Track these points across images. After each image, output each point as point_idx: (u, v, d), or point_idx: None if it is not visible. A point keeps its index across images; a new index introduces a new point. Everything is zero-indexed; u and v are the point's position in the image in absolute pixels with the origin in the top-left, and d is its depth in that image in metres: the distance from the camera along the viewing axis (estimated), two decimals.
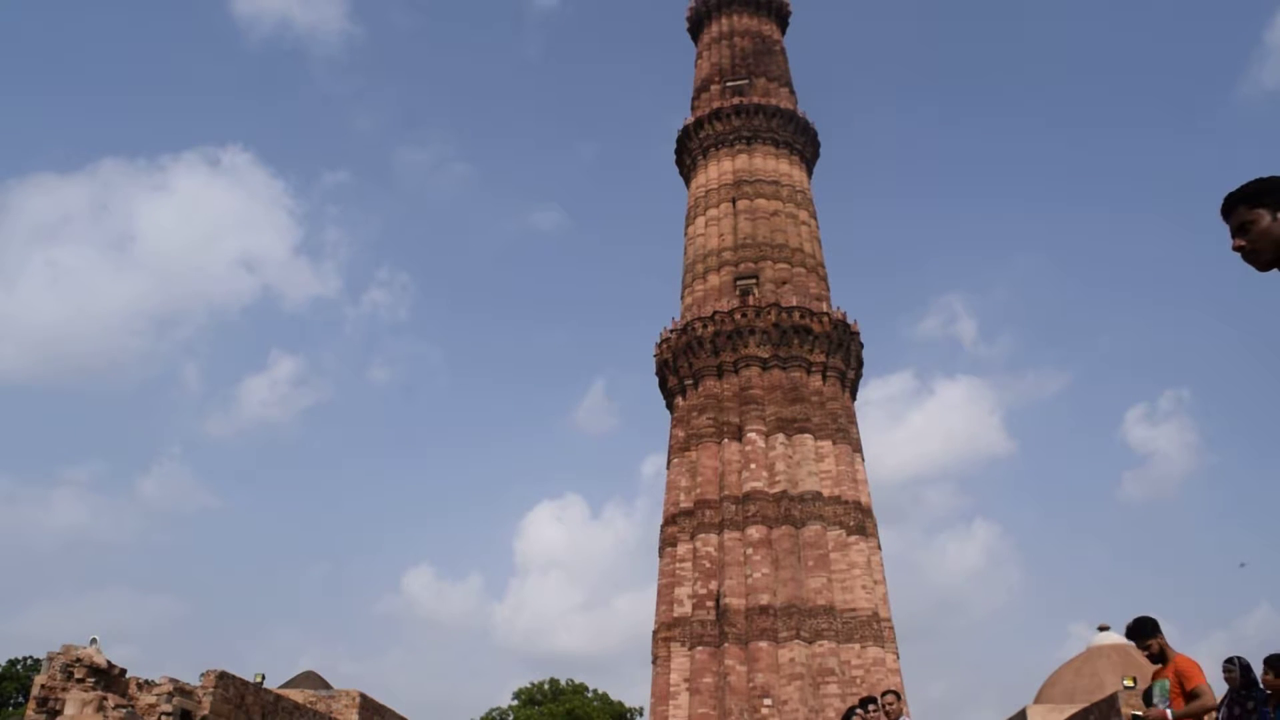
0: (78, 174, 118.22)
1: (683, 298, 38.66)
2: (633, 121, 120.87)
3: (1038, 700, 27.94)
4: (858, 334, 36.75)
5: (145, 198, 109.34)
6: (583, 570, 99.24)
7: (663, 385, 37.66)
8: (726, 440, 34.18)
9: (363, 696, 25.75)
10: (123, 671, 18.29)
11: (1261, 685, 7.72)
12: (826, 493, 33.07)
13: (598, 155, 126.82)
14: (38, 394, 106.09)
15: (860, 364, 37.09)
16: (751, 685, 29.88)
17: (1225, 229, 2.76)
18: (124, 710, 16.69)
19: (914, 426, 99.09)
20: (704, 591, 32.26)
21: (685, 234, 40.12)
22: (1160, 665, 6.83)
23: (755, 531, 32.06)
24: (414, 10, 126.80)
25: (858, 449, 35.47)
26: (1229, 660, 8.18)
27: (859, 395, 37.62)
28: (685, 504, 34.13)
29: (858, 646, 31.07)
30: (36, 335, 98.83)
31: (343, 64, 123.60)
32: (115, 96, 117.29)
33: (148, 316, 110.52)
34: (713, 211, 38.96)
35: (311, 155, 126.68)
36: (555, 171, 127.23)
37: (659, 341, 37.50)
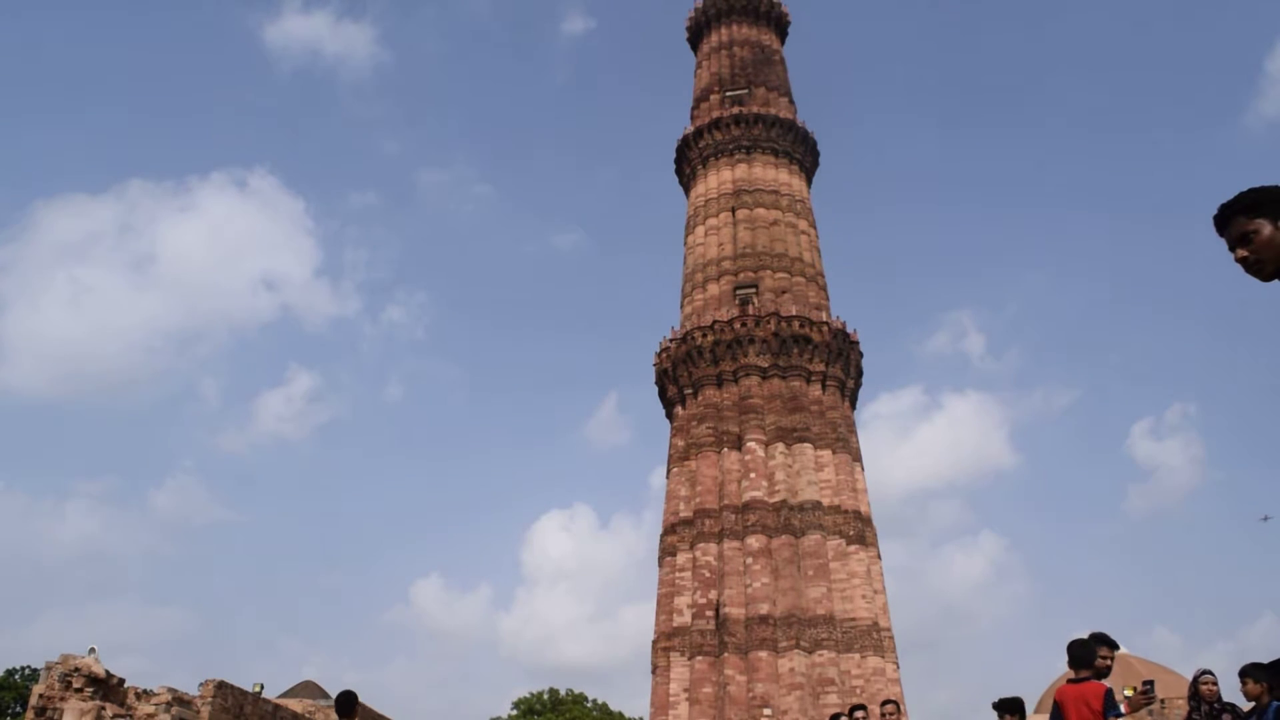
0: (105, 195, 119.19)
1: (682, 307, 38.65)
2: (651, 139, 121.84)
3: (1038, 710, 27.86)
4: (857, 343, 36.72)
5: (170, 218, 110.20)
6: (590, 581, 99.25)
7: (662, 395, 37.62)
8: (726, 449, 34.11)
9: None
10: (121, 681, 18.24)
11: (1244, 695, 7.58)
12: (826, 502, 33.00)
13: (619, 176, 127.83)
14: (57, 410, 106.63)
15: (860, 373, 37.06)
16: (751, 695, 29.77)
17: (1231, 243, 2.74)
18: None
19: (922, 441, 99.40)
20: (703, 601, 32.17)
21: (685, 243, 40.13)
22: None
23: (755, 541, 31.98)
24: (442, 37, 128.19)
25: (857, 458, 35.40)
26: (1208, 672, 8.02)
27: (865, 407, 37.77)
28: (685, 513, 34.05)
29: (858, 656, 30.97)
30: (57, 352, 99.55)
31: (370, 89, 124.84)
32: (147, 121, 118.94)
33: (167, 334, 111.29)
34: (712, 221, 38.97)
35: (336, 178, 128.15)
36: (576, 192, 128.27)
37: (659, 351, 37.48)
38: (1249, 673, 7.43)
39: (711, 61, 43.32)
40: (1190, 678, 8.22)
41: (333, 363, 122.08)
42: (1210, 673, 7.94)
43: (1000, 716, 7.03)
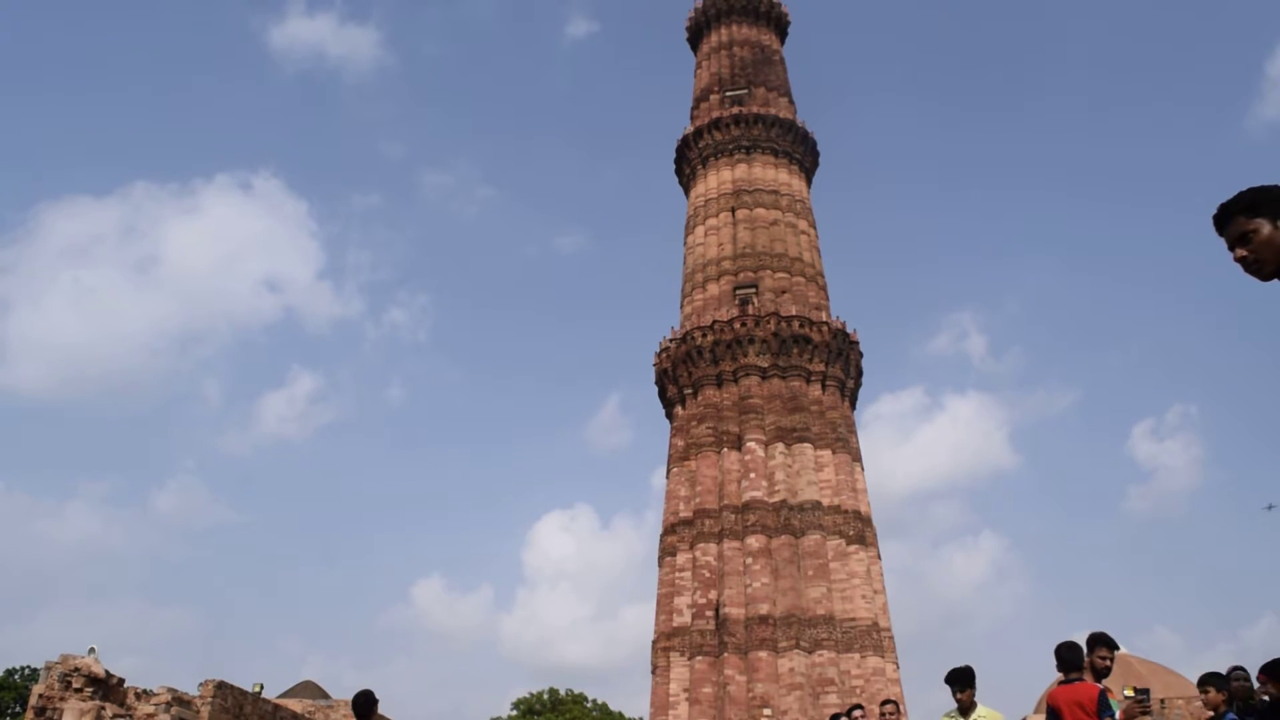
0: (109, 197, 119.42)
1: (682, 307, 38.64)
2: (652, 140, 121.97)
3: (1038, 710, 27.83)
4: (857, 343, 36.71)
5: (174, 220, 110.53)
6: (591, 581, 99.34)
7: (662, 395, 37.60)
8: (726, 449, 34.10)
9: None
10: (120, 681, 18.23)
11: (1204, 704, 7.46)
12: (826, 502, 32.99)
13: (620, 177, 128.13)
14: (60, 410, 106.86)
15: (860, 373, 37.05)
16: (751, 695, 29.77)
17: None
18: None
19: (923, 441, 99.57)
20: (703, 601, 32.17)
21: (685, 243, 40.13)
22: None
23: (754, 541, 31.98)
24: (445, 40, 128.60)
25: (857, 458, 35.40)
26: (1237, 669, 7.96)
27: (866, 408, 37.79)
28: (685, 513, 34.04)
29: (857, 656, 30.97)
30: (60, 353, 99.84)
31: (373, 91, 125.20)
32: (151, 123, 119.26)
33: (170, 336, 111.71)
34: (712, 221, 38.95)
35: (340, 180, 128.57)
36: (578, 194, 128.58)
37: (658, 351, 37.47)
38: (1209, 681, 7.16)
39: (711, 61, 43.31)
40: (1196, 679, 8.19)
41: (335, 364, 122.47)
42: (1242, 669, 7.93)
43: (960, 690, 6.90)
